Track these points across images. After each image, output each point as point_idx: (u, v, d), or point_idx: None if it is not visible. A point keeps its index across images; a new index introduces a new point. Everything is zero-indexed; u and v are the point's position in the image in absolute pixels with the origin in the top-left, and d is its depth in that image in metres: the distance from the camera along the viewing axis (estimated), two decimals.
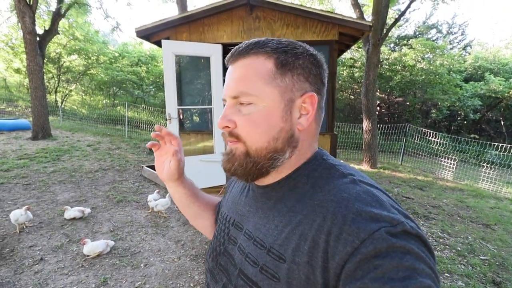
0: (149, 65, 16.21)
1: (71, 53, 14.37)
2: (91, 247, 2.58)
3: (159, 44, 4.09)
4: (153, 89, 15.77)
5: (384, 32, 7.06)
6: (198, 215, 0.76)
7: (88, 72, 15.10)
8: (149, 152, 7.33)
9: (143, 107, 12.48)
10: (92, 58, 14.76)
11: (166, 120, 3.93)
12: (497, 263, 3.06)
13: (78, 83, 16.12)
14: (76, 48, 13.96)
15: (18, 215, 2.90)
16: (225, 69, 4.38)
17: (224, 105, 0.55)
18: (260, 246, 0.50)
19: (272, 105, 0.49)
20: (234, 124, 0.51)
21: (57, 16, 8.53)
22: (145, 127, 10.67)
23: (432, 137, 8.23)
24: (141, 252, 2.78)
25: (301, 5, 3.96)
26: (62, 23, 11.71)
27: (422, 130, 8.61)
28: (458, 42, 16.91)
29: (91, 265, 2.50)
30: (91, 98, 17.36)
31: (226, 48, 4.67)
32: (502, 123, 14.20)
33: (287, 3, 3.88)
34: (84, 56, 14.55)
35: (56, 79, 14.61)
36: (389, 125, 9.17)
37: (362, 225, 0.40)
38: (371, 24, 3.87)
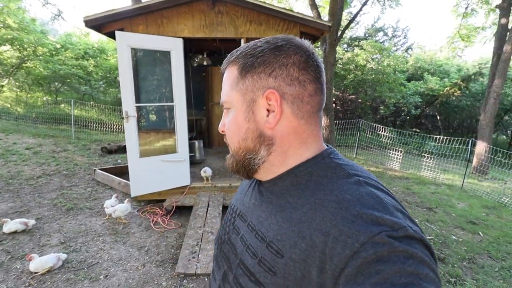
0: (98, 58, 14.92)
1: (2, 43, 12.62)
2: (39, 262, 2.29)
3: (111, 35, 3.76)
4: (103, 85, 14.60)
5: (339, 33, 7.41)
6: None
7: (24, 65, 13.39)
8: (102, 153, 6.77)
9: (92, 104, 11.48)
10: (28, 49, 13.12)
11: (122, 118, 3.64)
12: (440, 242, 3.46)
13: (11, 78, 14.22)
14: (8, 37, 12.28)
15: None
16: (186, 64, 4.20)
17: None
18: (261, 239, 0.50)
19: (237, 107, 0.53)
20: (224, 128, 0.57)
21: None
22: (96, 127, 9.83)
23: (382, 131, 8.91)
24: (99, 263, 2.54)
25: (264, 2, 3.93)
26: None
27: (373, 125, 9.26)
28: (401, 45, 18.51)
29: (40, 282, 2.21)
30: (28, 95, 15.47)
31: (187, 42, 4.47)
32: (438, 117, 15.96)
33: None
34: (18, 47, 12.87)
35: None
36: (344, 121, 9.69)
37: (362, 228, 0.39)
38: (330, 25, 4.00)
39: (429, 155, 7.60)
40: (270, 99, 0.50)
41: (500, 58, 7.76)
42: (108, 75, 14.66)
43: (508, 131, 16.81)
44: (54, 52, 13.69)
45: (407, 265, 0.36)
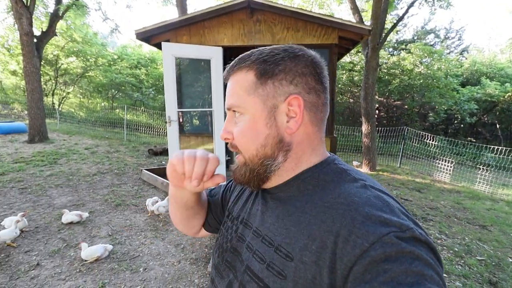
0: (149, 67, 16.18)
1: (69, 55, 14.31)
2: (89, 251, 2.54)
3: (159, 46, 4.08)
4: (153, 92, 15.72)
5: (383, 36, 7.11)
6: (196, 215, 0.71)
7: (86, 74, 15.04)
8: (149, 155, 7.29)
9: (142, 109, 12.44)
10: (90, 60, 14.71)
11: (166, 123, 3.91)
12: (493, 264, 3.10)
13: (75, 86, 16.03)
14: (74, 50, 13.91)
15: (7, 235, 2.69)
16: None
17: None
18: (268, 244, 0.51)
19: (256, 113, 0.52)
20: (232, 135, 0.54)
21: (54, 17, 8.49)
22: (144, 130, 10.62)
23: (430, 140, 8.28)
24: (140, 256, 2.74)
25: (301, 9, 3.97)
26: (60, 25, 11.68)
27: (420, 133, 8.65)
28: (455, 47, 17.17)
29: (89, 270, 2.46)
30: (89, 101, 17.29)
31: (227, 51, 4.67)
32: (498, 126, 14.32)
33: (287, 6, 3.89)
34: (82, 58, 14.50)
35: (53, 81, 14.54)
36: (388, 128, 9.20)
37: (371, 228, 0.40)
38: (370, 28, 3.89)
39: (485, 167, 6.86)
40: (292, 104, 0.51)
41: None
42: (157, 83, 15.77)
43: None
44: (112, 62, 15.14)
45: (414, 266, 0.37)
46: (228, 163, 4.86)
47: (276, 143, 0.52)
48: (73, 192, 4.33)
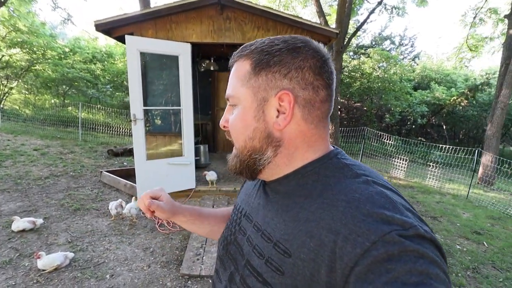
0: (105, 62, 15.13)
1: (12, 46, 12.87)
2: (47, 260, 2.32)
3: (121, 39, 3.84)
4: (110, 89, 14.77)
5: (346, 40, 7.46)
6: (211, 231, 0.78)
7: (33, 68, 13.63)
8: (108, 156, 6.84)
9: (98, 107, 11.62)
10: (37, 52, 13.37)
11: (129, 121, 3.70)
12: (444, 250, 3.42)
13: (20, 80, 14.48)
14: (18, 40, 12.54)
15: None
16: (193, 69, 4.26)
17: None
18: (267, 239, 0.50)
19: (246, 105, 0.51)
20: (228, 123, 0.55)
21: None
22: (102, 130, 9.94)
23: (387, 139, 8.87)
24: (105, 262, 2.56)
25: (271, 8, 4.00)
26: (1, 12, 10.47)
27: (378, 133, 9.23)
28: (408, 53, 18.57)
29: (48, 280, 2.24)
30: (36, 97, 15.72)
31: (195, 47, 4.54)
32: (444, 127, 15.84)
33: (258, 5, 3.90)
34: (27, 50, 13.12)
35: None
36: (349, 129, 9.67)
37: (372, 227, 0.38)
38: (337, 32, 4.06)
39: (434, 164, 7.54)
40: (282, 100, 0.48)
41: (508, 68, 7.73)
42: (115, 79, 14.85)
43: None
44: (62, 56, 13.92)
45: (418, 265, 0.35)
46: (197, 163, 4.74)
47: (264, 137, 0.50)
48: (23, 197, 3.91)
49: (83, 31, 18.37)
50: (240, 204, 0.66)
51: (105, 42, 16.65)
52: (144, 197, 0.68)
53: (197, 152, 4.78)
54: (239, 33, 3.89)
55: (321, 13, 7.75)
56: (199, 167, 4.95)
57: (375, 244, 0.37)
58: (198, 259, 2.66)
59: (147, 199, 0.67)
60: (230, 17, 3.85)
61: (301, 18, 3.99)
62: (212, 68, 6.15)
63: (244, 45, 0.54)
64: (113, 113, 11.60)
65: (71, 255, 2.50)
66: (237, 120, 0.52)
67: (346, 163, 0.51)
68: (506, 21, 8.97)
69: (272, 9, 3.94)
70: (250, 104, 0.50)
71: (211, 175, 4.13)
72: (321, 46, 0.52)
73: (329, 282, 0.40)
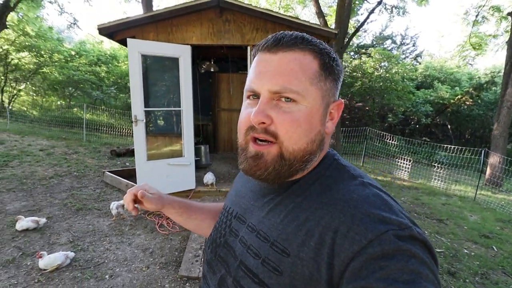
0: (110, 65, 15.32)
1: (21, 50, 13.12)
2: (48, 260, 2.36)
3: (123, 43, 3.90)
4: (114, 91, 14.94)
5: (346, 40, 7.45)
6: (199, 226, 0.78)
7: (40, 70, 13.87)
8: (111, 156, 6.93)
9: (103, 108, 11.76)
10: (45, 56, 13.60)
11: (132, 122, 3.75)
12: (451, 255, 3.29)
13: (28, 83, 14.73)
14: (26, 44, 12.78)
15: None
16: (194, 71, 4.30)
17: (249, 96, 0.51)
18: (264, 239, 0.50)
19: (314, 106, 0.48)
20: (270, 120, 0.47)
21: (5, 9, 7.77)
22: (106, 130, 10.06)
23: (390, 139, 8.80)
24: (105, 262, 2.61)
25: (270, 10, 4.03)
26: (11, 17, 10.67)
27: (381, 133, 9.16)
28: (410, 52, 18.44)
29: (49, 279, 2.29)
30: (44, 99, 15.98)
31: (195, 49, 4.58)
32: (449, 127, 15.66)
33: (256, 7, 3.92)
34: (35, 53, 13.36)
35: (2, 77, 13.24)
36: (351, 129, 9.62)
37: (370, 226, 0.40)
38: (336, 32, 4.06)
39: (439, 165, 7.42)
40: (333, 108, 0.52)
41: None
42: (119, 81, 15.02)
43: None
44: (69, 59, 14.14)
45: (410, 264, 0.37)
46: (198, 163, 4.78)
47: (320, 140, 0.51)
48: (27, 197, 3.99)
49: (89, 35, 18.60)
50: (230, 205, 0.66)
51: (110, 45, 16.87)
52: (128, 193, 0.69)
53: (198, 153, 4.82)
54: (238, 35, 3.93)
55: (320, 14, 7.75)
56: (200, 167, 4.99)
57: (371, 242, 0.39)
58: (196, 261, 2.68)
59: (131, 196, 0.69)
60: (229, 19, 3.89)
61: (299, 19, 4.00)
62: (212, 70, 6.20)
63: (298, 34, 0.49)
64: (116, 114, 11.74)
65: (72, 254, 2.55)
66: (300, 120, 0.47)
67: (343, 165, 0.54)
68: (510, 18, 8.84)
69: (270, 10, 3.97)
70: (318, 107, 0.49)
71: (206, 178, 4.18)
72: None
73: (328, 279, 0.41)
